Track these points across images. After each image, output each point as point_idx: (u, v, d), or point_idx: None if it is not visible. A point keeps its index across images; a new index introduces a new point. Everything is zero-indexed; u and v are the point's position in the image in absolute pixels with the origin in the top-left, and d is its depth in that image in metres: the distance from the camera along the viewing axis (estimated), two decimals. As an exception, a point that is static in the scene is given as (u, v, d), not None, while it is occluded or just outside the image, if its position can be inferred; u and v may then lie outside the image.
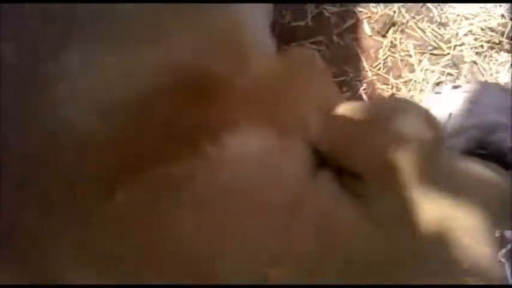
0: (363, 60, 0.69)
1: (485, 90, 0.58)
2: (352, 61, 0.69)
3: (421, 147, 0.38)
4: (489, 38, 0.73)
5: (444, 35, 0.72)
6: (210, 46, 0.44)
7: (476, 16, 0.74)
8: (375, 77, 0.69)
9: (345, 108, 0.45)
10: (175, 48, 0.41)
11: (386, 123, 0.41)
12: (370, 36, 0.71)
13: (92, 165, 0.35)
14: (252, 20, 0.51)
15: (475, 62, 0.72)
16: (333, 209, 0.39)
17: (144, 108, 0.37)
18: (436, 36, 0.72)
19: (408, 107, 0.47)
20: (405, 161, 0.37)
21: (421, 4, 0.73)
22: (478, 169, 0.43)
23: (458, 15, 0.74)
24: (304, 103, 0.50)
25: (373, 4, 0.72)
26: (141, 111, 0.37)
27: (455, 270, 0.36)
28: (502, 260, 0.36)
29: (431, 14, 0.73)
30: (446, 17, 0.73)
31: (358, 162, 0.41)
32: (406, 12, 0.73)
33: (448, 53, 0.71)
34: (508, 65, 0.72)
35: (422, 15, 0.73)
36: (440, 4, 0.73)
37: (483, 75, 0.71)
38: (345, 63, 0.69)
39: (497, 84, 0.63)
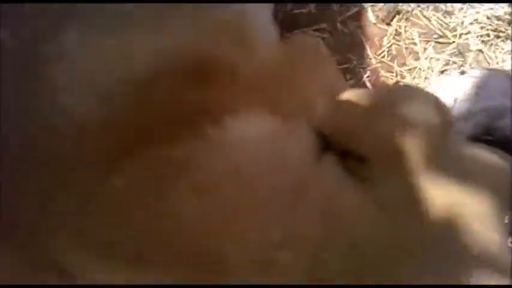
0: (367, 47, 0.68)
1: (492, 76, 0.57)
2: (356, 49, 0.68)
3: (429, 132, 0.38)
4: (495, 27, 0.72)
5: (450, 24, 0.71)
6: (213, 31, 0.43)
7: (482, 5, 0.73)
8: (379, 65, 0.68)
9: (350, 94, 0.44)
10: (178, 32, 0.40)
11: (393, 108, 0.40)
12: (374, 24, 0.70)
13: (91, 152, 0.35)
14: (255, 7, 0.50)
15: (480, 51, 0.71)
16: (337, 192, 0.39)
17: (144, 91, 0.37)
18: (441, 25, 0.71)
19: (416, 92, 0.47)
20: (412, 146, 0.36)
21: (426, -8, 0.72)
22: (486, 155, 0.42)
23: (464, 4, 0.73)
24: (309, 89, 0.49)
25: (378, -9, 0.71)
26: (141, 93, 0.37)
27: (464, 256, 0.35)
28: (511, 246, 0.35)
29: (436, 3, 0.72)
30: (452, 5, 0.72)
31: (363, 145, 0.40)
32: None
33: (454, 42, 0.70)
34: (515, 53, 0.71)
35: (427, 4, 0.72)
36: (446, -8, 0.73)
37: (489, 63, 0.70)
38: (348, 51, 0.68)
39: (504, 71, 0.63)
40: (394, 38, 0.69)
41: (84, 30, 0.38)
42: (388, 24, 0.70)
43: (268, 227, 0.35)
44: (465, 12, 0.72)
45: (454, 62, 0.69)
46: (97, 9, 0.39)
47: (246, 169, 0.37)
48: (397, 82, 0.66)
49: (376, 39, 0.69)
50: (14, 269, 0.33)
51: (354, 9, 0.70)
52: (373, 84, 0.66)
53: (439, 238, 0.35)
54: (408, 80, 0.67)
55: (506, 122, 0.52)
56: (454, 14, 0.72)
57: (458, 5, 0.72)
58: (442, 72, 0.68)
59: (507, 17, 0.72)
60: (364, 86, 0.66)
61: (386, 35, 0.69)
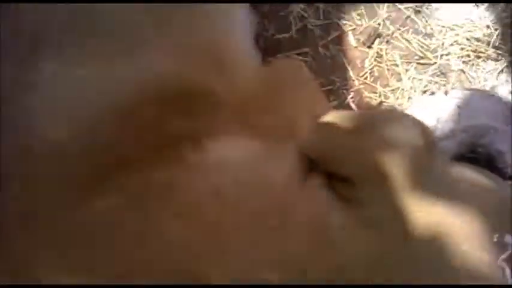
0: (350, 70, 0.69)
1: (474, 96, 0.58)
2: (339, 71, 0.68)
3: (413, 153, 0.38)
4: (475, 48, 0.73)
5: (430, 45, 0.72)
6: (193, 56, 0.44)
7: (461, 27, 0.74)
8: (362, 86, 0.68)
9: (333, 116, 0.44)
10: (158, 60, 0.40)
11: (376, 130, 0.41)
12: (355, 47, 0.71)
13: (71, 175, 0.35)
14: (235, 31, 0.51)
15: (462, 71, 0.71)
16: (324, 214, 0.38)
17: (125, 118, 0.37)
18: (422, 47, 0.72)
19: (398, 115, 0.47)
20: (396, 167, 0.36)
21: (405, 16, 0.73)
22: (471, 175, 0.42)
23: (443, 27, 0.74)
24: (292, 111, 0.49)
25: (358, 17, 0.72)
26: (122, 120, 0.36)
27: (453, 276, 0.34)
28: (502, 265, 0.34)
29: (416, 26, 0.73)
30: (431, 28, 0.73)
31: (348, 167, 0.40)
32: (391, 24, 0.73)
33: (435, 62, 0.71)
34: (496, 72, 0.72)
35: (407, 27, 0.73)
36: (425, 16, 0.74)
37: (471, 83, 0.70)
38: (331, 73, 0.68)
39: (485, 90, 0.63)
40: (375, 60, 0.70)
41: (64, 58, 0.38)
42: (369, 47, 0.70)
43: (251, 249, 0.34)
44: (445, 34, 0.73)
45: (436, 82, 0.70)
46: (78, 37, 0.39)
47: (229, 192, 0.37)
48: (381, 102, 0.66)
49: (358, 62, 0.70)
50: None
51: (335, 33, 0.70)
52: (357, 105, 0.66)
53: (425, 257, 0.34)
54: (392, 100, 0.67)
55: (489, 140, 0.52)
56: (434, 36, 0.73)
57: (437, 28, 0.73)
58: (424, 92, 0.68)
59: (486, 38, 0.74)
60: (348, 107, 0.66)
61: (367, 58, 0.70)
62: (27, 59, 0.37)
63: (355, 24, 0.72)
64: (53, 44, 0.37)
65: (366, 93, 0.67)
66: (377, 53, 0.70)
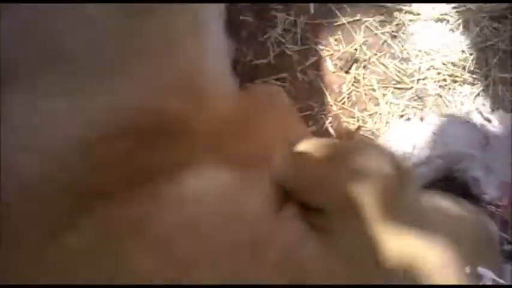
0: (327, 95, 0.69)
1: (449, 122, 0.58)
2: (317, 96, 0.68)
3: (383, 183, 0.38)
4: (451, 72, 0.74)
5: (407, 70, 0.73)
6: (167, 86, 0.43)
7: (437, 52, 0.75)
8: (340, 111, 0.68)
9: (307, 146, 0.44)
10: (129, 91, 0.40)
11: (348, 160, 0.41)
12: (333, 72, 0.71)
13: (42, 209, 0.34)
14: (210, 57, 0.51)
15: (439, 95, 0.72)
16: (297, 244, 0.38)
17: (96, 150, 0.36)
18: (399, 71, 0.73)
19: (370, 146, 0.47)
20: (368, 197, 0.37)
21: (382, 41, 0.74)
22: (445, 204, 0.42)
23: (419, 51, 0.75)
24: (269, 139, 0.49)
25: (335, 42, 0.73)
26: (93, 153, 0.36)
27: None
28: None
29: (392, 51, 0.75)
30: (408, 52, 0.75)
31: (320, 198, 0.40)
32: (368, 49, 0.74)
33: (412, 87, 0.72)
34: (472, 96, 0.73)
35: (384, 52, 0.74)
36: (401, 40, 0.75)
37: (448, 107, 0.71)
38: (309, 98, 0.69)
39: (460, 117, 0.64)
40: (353, 85, 0.70)
41: (36, 91, 0.38)
42: (347, 72, 0.71)
43: (225, 281, 0.33)
44: (421, 59, 0.74)
45: (414, 107, 0.70)
46: (50, 69, 0.39)
47: (201, 225, 0.36)
48: (359, 127, 0.66)
49: (335, 87, 0.70)
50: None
51: (312, 58, 0.71)
52: (335, 130, 0.66)
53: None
54: (370, 124, 0.67)
55: (464, 167, 0.52)
56: (410, 61, 0.74)
57: (414, 52, 0.75)
58: (402, 116, 0.68)
59: (462, 63, 0.75)
60: (326, 132, 0.66)
61: (345, 83, 0.70)
62: (4, 90, 0.36)
63: (333, 49, 0.73)
64: (24, 76, 0.37)
65: (344, 118, 0.68)
66: (354, 78, 0.71)
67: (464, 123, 0.57)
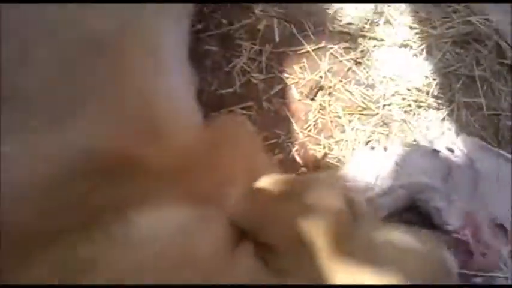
0: (293, 122, 0.69)
1: (412, 153, 0.59)
2: (283, 124, 0.68)
3: (337, 220, 0.39)
4: (416, 97, 0.75)
5: (372, 96, 0.74)
6: (120, 124, 0.43)
7: (401, 77, 0.76)
8: (306, 139, 0.68)
9: (266, 182, 0.45)
10: (83, 130, 0.39)
11: (302, 197, 0.41)
12: (299, 100, 0.71)
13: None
14: (168, 90, 0.50)
15: (404, 121, 0.73)
16: (250, 283, 0.37)
17: (48, 193, 0.36)
18: (364, 98, 0.73)
19: (325, 182, 0.47)
20: (320, 235, 0.37)
21: (347, 68, 0.75)
22: (401, 238, 0.42)
23: (384, 77, 0.76)
24: (231, 172, 0.48)
25: (300, 70, 0.73)
26: (45, 195, 0.36)
27: None
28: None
29: (357, 77, 0.75)
30: (373, 79, 0.75)
31: (273, 237, 0.41)
32: (333, 76, 0.74)
33: (377, 113, 0.72)
34: (438, 121, 0.74)
35: (349, 79, 0.75)
36: (366, 67, 0.76)
37: (413, 132, 0.71)
38: (275, 127, 0.68)
39: (423, 147, 0.64)
40: (319, 112, 0.70)
41: None
42: (312, 99, 0.71)
43: None
44: (386, 85, 0.75)
45: (380, 133, 0.70)
46: (1, 112, 0.37)
47: (152, 266, 0.36)
48: (326, 154, 0.66)
49: (301, 114, 0.70)
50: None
51: (277, 86, 0.71)
52: (302, 158, 0.66)
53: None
54: (336, 151, 0.67)
55: (426, 198, 0.52)
56: (375, 87, 0.75)
57: (378, 78, 0.75)
58: (368, 142, 0.68)
59: (425, 88, 0.76)
60: (293, 159, 0.65)
61: (311, 110, 0.70)
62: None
63: (298, 77, 0.73)
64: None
65: (310, 146, 0.67)
66: (320, 105, 0.71)
67: (427, 154, 0.57)
